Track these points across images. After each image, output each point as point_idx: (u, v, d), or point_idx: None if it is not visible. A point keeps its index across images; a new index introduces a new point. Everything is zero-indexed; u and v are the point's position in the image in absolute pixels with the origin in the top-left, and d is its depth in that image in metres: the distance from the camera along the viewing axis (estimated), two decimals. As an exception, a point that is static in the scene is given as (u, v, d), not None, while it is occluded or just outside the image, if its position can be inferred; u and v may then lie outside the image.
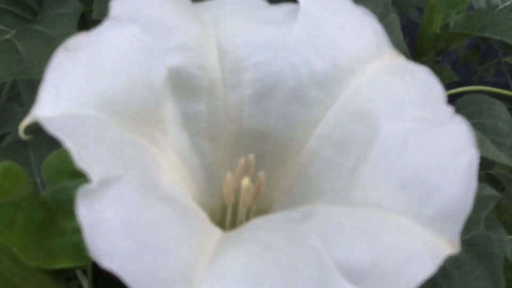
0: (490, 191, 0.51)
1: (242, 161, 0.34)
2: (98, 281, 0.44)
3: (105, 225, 0.21)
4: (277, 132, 0.34)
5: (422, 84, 0.31)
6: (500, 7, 0.85)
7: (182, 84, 0.31)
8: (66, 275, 0.41)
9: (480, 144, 0.72)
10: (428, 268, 0.24)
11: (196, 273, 0.22)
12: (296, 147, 0.34)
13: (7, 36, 0.61)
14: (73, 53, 0.27)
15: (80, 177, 0.34)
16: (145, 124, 0.29)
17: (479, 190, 0.52)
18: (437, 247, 0.25)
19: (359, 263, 0.23)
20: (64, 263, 0.30)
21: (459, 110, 0.75)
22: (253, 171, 0.34)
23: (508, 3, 0.86)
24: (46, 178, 0.34)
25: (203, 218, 0.27)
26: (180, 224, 0.24)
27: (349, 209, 0.27)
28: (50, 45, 0.56)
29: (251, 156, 0.34)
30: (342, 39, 0.33)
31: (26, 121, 0.25)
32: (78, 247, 0.30)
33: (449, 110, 0.29)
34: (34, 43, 0.58)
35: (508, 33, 0.70)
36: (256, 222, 0.28)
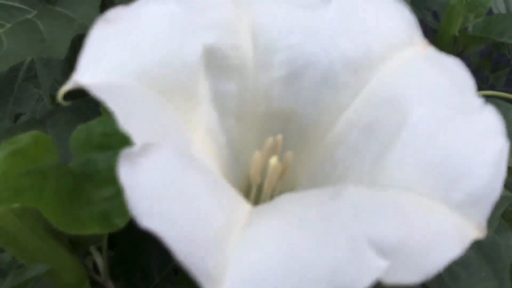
0: (504, 192, 0.52)
1: (270, 140, 0.34)
2: (113, 260, 0.45)
3: (146, 186, 0.22)
4: (305, 114, 0.34)
5: (453, 74, 0.31)
6: (521, 12, 0.85)
7: (215, 62, 0.32)
8: (80, 252, 0.41)
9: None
10: (455, 250, 0.24)
11: (229, 241, 0.23)
12: (322, 130, 0.34)
13: (29, 16, 0.61)
14: (112, 24, 0.27)
15: (106, 150, 0.34)
16: (179, 98, 0.29)
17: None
18: (465, 230, 0.25)
19: (389, 240, 0.24)
20: (93, 230, 0.30)
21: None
22: (279, 152, 0.34)
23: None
24: (73, 150, 0.34)
25: (234, 191, 0.27)
26: (215, 193, 0.24)
27: (377, 191, 0.28)
28: (71, 26, 0.56)
29: (279, 137, 0.34)
30: (375, 25, 0.33)
31: (67, 86, 0.25)
32: (106, 215, 0.30)
33: (479, 100, 0.29)
34: (55, 24, 0.58)
35: (526, 38, 0.71)
36: (286, 197, 0.28)
